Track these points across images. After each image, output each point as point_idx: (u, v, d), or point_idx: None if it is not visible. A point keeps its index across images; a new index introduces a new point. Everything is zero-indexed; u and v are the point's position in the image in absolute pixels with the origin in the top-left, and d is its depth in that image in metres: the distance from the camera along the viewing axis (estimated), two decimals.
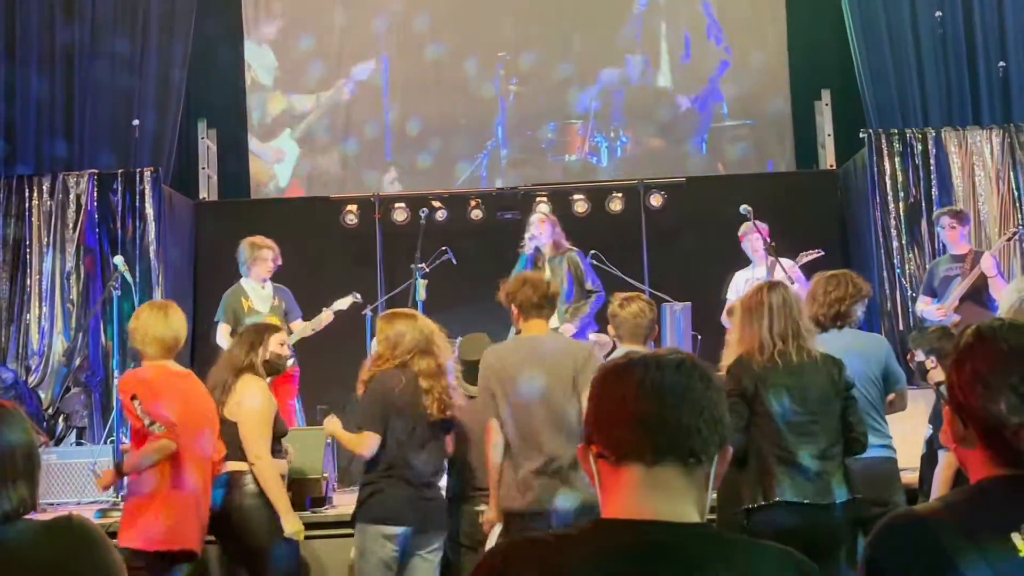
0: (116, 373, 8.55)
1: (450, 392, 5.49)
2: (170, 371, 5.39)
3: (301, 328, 8.32)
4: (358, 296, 8.68)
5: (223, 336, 8.20)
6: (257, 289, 8.36)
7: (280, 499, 5.50)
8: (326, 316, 8.33)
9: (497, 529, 5.39)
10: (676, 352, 1.89)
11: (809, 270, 8.05)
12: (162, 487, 5.16)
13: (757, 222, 8.57)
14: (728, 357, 4.93)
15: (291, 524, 5.50)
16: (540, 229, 8.66)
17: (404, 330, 5.51)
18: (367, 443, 5.40)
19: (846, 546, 4.61)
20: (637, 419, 1.79)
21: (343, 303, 8.53)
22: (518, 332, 5.71)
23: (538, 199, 10.82)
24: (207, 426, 5.36)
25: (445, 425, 5.56)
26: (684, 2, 12.00)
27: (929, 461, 5.38)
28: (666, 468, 1.79)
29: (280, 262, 8.43)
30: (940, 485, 5.10)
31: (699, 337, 8.73)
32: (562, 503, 5.16)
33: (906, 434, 5.58)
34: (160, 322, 5.35)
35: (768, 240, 8.49)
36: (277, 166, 12.13)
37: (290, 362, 8.24)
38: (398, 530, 5.35)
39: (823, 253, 8.56)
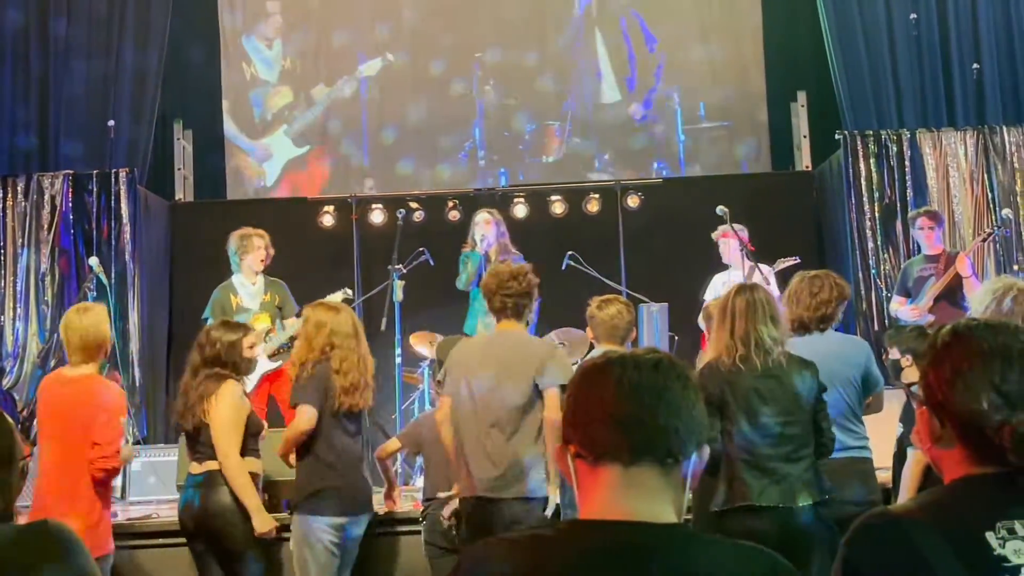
0: None
1: (371, 384, 5.62)
2: (50, 380, 5.78)
3: (291, 325, 8.23)
4: (349, 292, 8.65)
5: None
6: (247, 285, 8.28)
7: (249, 497, 5.50)
8: None
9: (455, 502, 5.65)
10: (654, 352, 1.90)
11: (782, 275, 8.11)
12: None
13: (737, 227, 8.61)
14: (701, 361, 4.96)
15: (261, 523, 5.50)
16: (487, 230, 8.61)
17: (325, 320, 5.59)
18: (305, 416, 5.47)
19: (820, 548, 4.62)
20: (615, 419, 1.80)
21: (333, 299, 8.46)
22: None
23: (515, 200, 10.84)
24: (62, 434, 5.49)
25: (362, 416, 5.70)
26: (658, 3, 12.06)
27: (900, 459, 5.41)
28: (643, 468, 1.80)
29: (272, 251, 8.37)
30: (908, 482, 5.13)
31: (676, 338, 8.76)
32: (505, 509, 5.26)
33: (882, 434, 5.61)
34: (73, 325, 5.56)
35: (745, 244, 8.53)
36: (255, 166, 12.10)
37: (271, 363, 8.21)
38: (344, 520, 5.54)
39: (799, 260, 8.58)
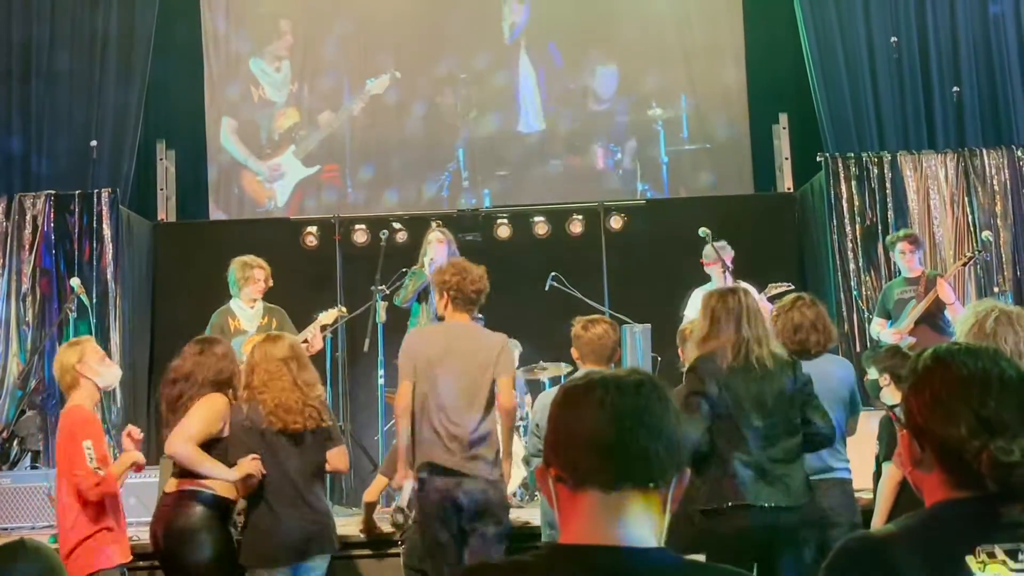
0: None
1: (319, 404, 5.40)
2: None
3: None
4: (343, 308, 8.58)
5: None
6: (245, 309, 8.21)
7: (211, 468, 5.25)
8: (313, 334, 8.06)
9: (408, 485, 5.70)
10: (635, 373, 1.89)
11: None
12: None
13: (718, 245, 8.64)
14: (691, 355, 4.93)
15: (236, 472, 5.24)
16: (438, 250, 8.58)
17: (255, 354, 5.48)
18: (255, 467, 5.24)
19: (805, 549, 4.61)
20: (596, 443, 1.79)
21: (327, 317, 8.37)
22: (440, 318, 6.03)
23: (499, 221, 10.85)
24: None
25: (321, 437, 5.43)
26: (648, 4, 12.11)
27: (878, 477, 5.44)
28: (625, 493, 1.79)
29: (271, 283, 8.30)
30: (883, 498, 5.14)
31: (659, 358, 8.74)
32: (467, 485, 5.51)
33: (864, 456, 5.62)
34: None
35: (728, 266, 8.57)
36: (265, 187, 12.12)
37: None
38: (286, 568, 5.30)
39: (792, 287, 8.56)
